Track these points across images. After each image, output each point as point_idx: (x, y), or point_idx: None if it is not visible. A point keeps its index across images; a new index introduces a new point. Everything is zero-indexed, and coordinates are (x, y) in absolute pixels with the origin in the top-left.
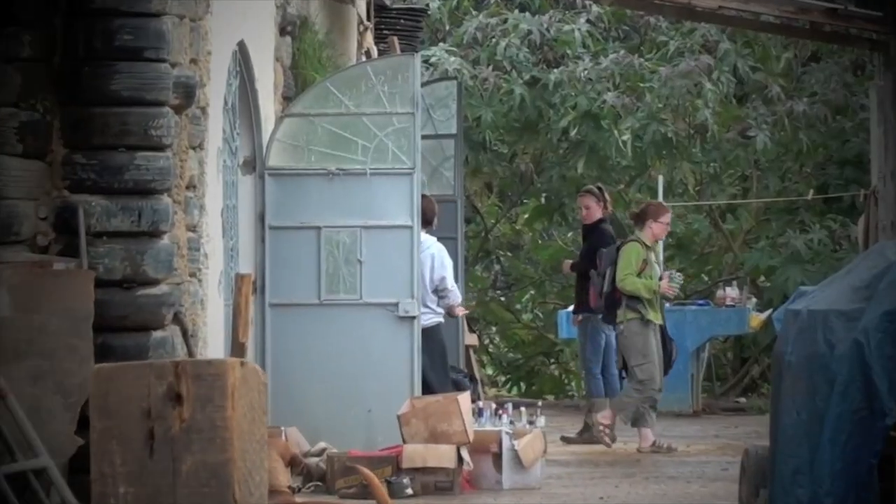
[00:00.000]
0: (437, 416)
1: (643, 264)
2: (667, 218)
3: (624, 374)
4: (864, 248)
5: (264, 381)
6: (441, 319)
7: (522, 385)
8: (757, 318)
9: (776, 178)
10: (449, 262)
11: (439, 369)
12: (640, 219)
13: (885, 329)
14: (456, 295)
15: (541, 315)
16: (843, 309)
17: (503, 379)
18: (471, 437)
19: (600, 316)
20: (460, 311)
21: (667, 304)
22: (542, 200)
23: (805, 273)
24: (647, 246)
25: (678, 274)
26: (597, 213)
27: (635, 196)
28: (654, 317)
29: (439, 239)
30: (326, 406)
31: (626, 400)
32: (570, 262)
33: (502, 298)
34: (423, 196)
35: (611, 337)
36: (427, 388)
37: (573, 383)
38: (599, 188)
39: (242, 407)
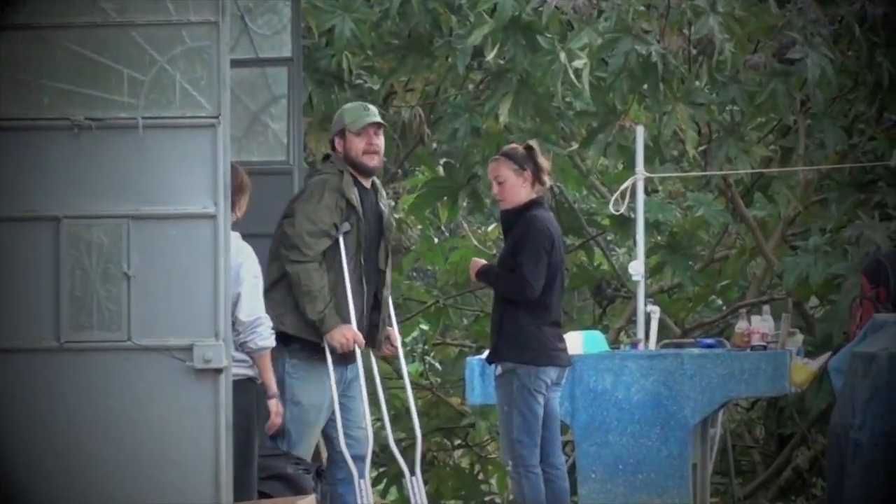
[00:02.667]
0: None
1: None
2: None
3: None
4: None
5: None
6: (252, 374)
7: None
8: (804, 369)
9: (838, 130)
10: (256, 275)
11: (239, 458)
12: None
13: None
14: (264, 333)
15: (438, 365)
16: None
17: (374, 474)
18: None
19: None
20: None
21: (638, 346)
22: (440, 170)
23: None
24: None
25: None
26: (519, 189)
27: (598, 161)
28: None
29: (255, 237)
30: None
31: None
32: (482, 264)
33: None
34: (231, 165)
35: (553, 401)
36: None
37: (493, 481)
38: (528, 148)
39: None
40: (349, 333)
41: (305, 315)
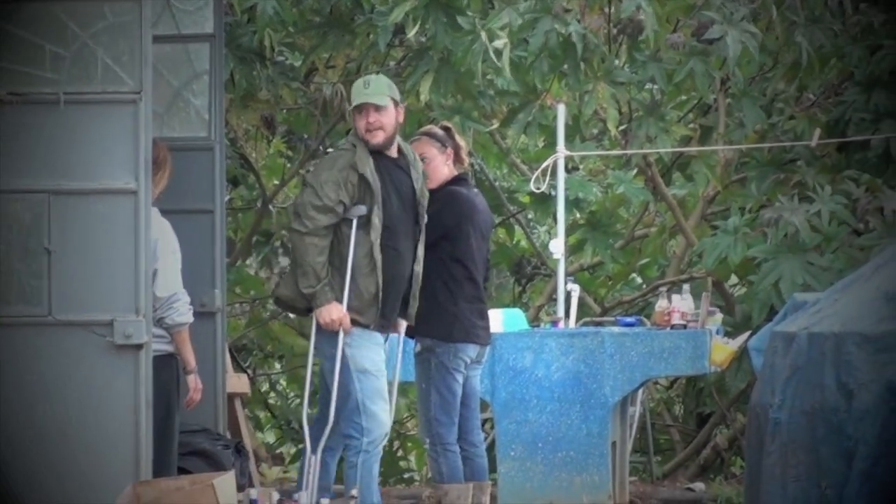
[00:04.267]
0: None
1: None
2: None
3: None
4: None
5: None
6: (171, 349)
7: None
8: (724, 349)
9: (757, 109)
10: (173, 251)
11: (159, 434)
12: None
13: None
14: (181, 308)
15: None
16: (868, 331)
17: (293, 450)
18: None
19: (459, 342)
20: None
21: (559, 324)
22: None
23: (807, 271)
24: None
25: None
26: (443, 167)
27: (518, 140)
28: None
29: (175, 213)
30: None
31: None
32: None
33: (291, 315)
34: (154, 141)
35: (474, 379)
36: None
37: (412, 458)
38: (446, 128)
39: None
40: (335, 314)
41: (297, 285)
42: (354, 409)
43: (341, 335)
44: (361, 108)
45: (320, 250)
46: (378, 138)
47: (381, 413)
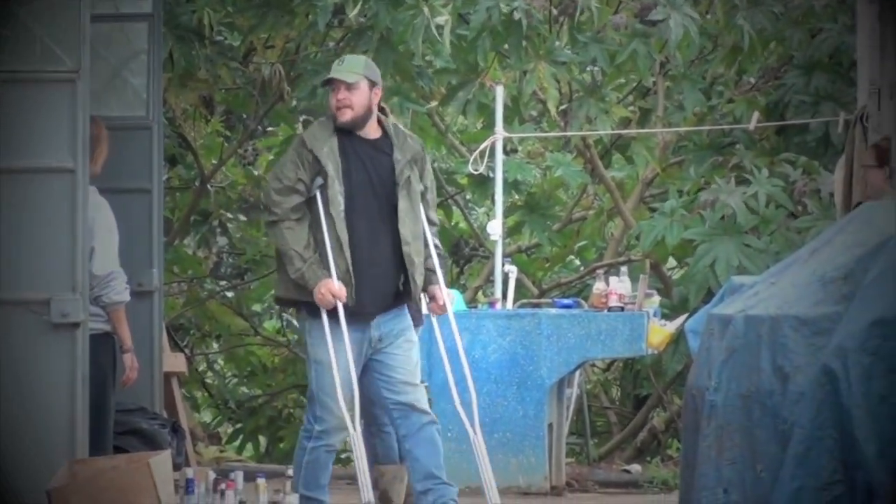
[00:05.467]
0: (116, 492)
1: None
2: None
3: None
4: (842, 213)
5: None
6: (108, 328)
7: (262, 441)
8: (661, 331)
9: (697, 92)
10: (110, 230)
11: (96, 412)
12: None
13: (876, 349)
14: (118, 287)
15: (295, 322)
16: (804, 315)
17: (230, 430)
18: None
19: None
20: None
21: (496, 305)
22: (299, 128)
23: (743, 253)
24: None
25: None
26: None
27: (457, 120)
28: None
29: (113, 192)
30: None
31: None
32: None
33: (229, 294)
34: (91, 118)
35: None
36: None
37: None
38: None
39: None
40: (324, 288)
41: (289, 278)
42: (310, 397)
43: (325, 319)
44: (332, 84)
45: (296, 233)
46: (345, 116)
47: (335, 405)
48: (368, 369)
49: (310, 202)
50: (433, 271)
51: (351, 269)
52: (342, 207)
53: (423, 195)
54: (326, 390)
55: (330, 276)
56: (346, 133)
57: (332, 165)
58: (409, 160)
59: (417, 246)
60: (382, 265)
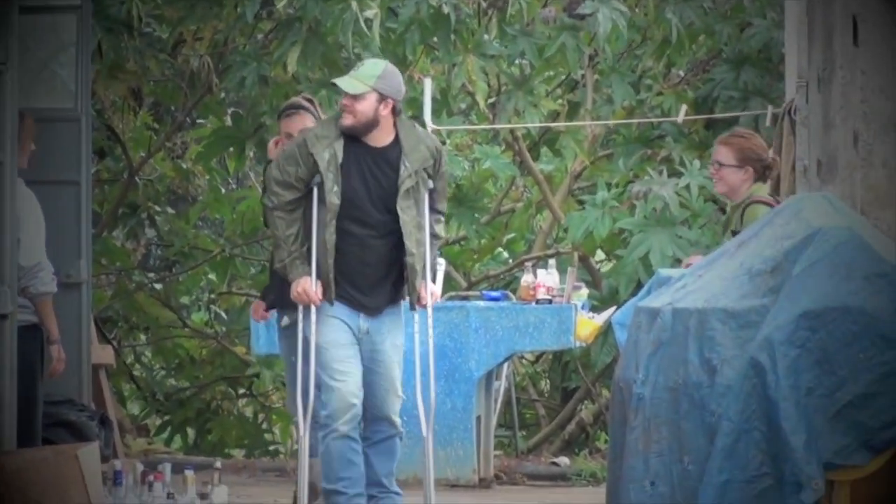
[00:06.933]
0: (44, 483)
1: None
2: None
3: None
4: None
5: None
6: (36, 320)
7: (190, 433)
8: (589, 324)
9: (626, 86)
10: (37, 221)
11: (24, 404)
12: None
13: (803, 342)
14: (45, 278)
15: (224, 314)
16: (731, 307)
17: (158, 422)
18: None
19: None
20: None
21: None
22: (228, 120)
23: (675, 244)
24: None
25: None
26: None
27: None
28: None
29: (41, 184)
30: None
31: None
32: None
33: (158, 286)
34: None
35: None
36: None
37: (277, 430)
38: (310, 100)
39: None
40: (300, 287)
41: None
42: (316, 385)
43: (314, 314)
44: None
45: (288, 223)
46: (346, 121)
47: (339, 386)
48: None
49: (307, 196)
50: (424, 266)
51: (333, 272)
52: (335, 211)
53: (431, 192)
54: (328, 372)
55: (310, 273)
56: (352, 137)
57: (332, 173)
58: (416, 169)
59: (422, 253)
60: (375, 269)
